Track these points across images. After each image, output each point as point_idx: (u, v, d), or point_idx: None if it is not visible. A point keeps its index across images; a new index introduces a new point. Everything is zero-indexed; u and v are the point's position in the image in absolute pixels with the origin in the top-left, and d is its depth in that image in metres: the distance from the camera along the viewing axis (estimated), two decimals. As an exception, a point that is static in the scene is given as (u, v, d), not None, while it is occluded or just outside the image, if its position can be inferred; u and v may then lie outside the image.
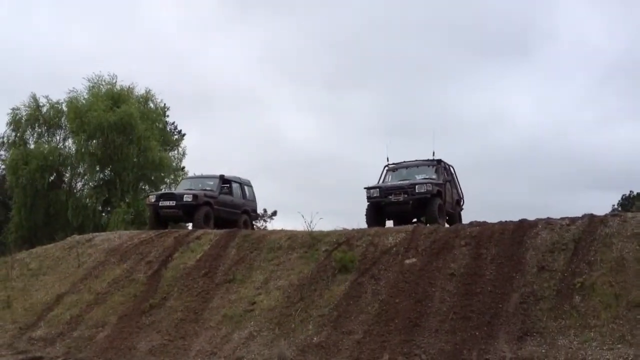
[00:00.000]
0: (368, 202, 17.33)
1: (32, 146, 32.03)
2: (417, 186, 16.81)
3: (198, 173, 22.94)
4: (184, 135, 39.56)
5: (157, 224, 19.63)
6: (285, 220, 72.09)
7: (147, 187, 32.01)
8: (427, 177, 17.77)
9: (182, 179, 24.77)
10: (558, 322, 10.99)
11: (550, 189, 64.24)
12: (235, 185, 21.28)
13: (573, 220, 14.03)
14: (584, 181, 66.14)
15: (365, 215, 17.32)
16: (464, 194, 20.06)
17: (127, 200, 30.48)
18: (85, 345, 13.25)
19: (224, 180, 20.76)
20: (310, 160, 77.71)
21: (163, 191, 22.02)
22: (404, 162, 18.96)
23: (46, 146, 31.71)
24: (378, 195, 17.03)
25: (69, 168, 32.81)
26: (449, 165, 19.28)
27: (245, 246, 16.08)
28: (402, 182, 17.56)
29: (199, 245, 16.69)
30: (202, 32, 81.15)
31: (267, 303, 13.44)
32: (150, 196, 20.43)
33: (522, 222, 14.56)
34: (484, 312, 11.71)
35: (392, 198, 16.87)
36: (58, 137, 33.10)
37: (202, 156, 64.50)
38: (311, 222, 17.03)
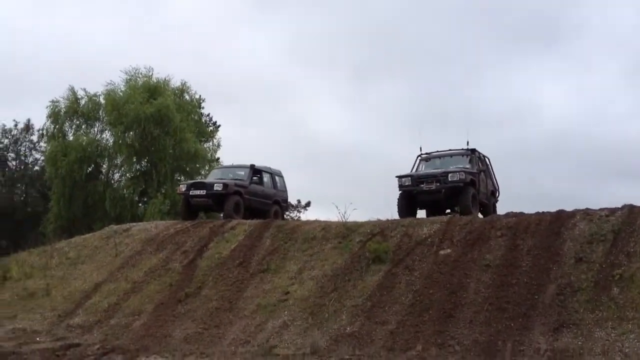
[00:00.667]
0: (400, 190, 17.00)
1: (71, 138, 32.51)
2: (450, 175, 16.43)
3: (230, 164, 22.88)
4: (218, 126, 39.81)
5: (188, 213, 19.56)
6: (319, 211, 72.20)
7: (182, 178, 32.27)
8: (460, 166, 17.32)
9: (213, 168, 24.28)
10: (595, 314, 10.81)
11: (588, 178, 63.16)
12: (266, 175, 21.19)
13: (612, 211, 13.77)
14: (623, 171, 64.67)
15: (397, 204, 17.01)
16: (499, 185, 19.80)
17: (163, 191, 30.79)
18: (122, 332, 13.45)
19: (254, 170, 20.63)
20: (344, 151, 77.53)
21: (194, 180, 21.39)
22: (437, 151, 18.63)
23: (84, 138, 32.16)
24: (410, 183, 16.69)
25: (106, 159, 33.27)
26: (483, 156, 18.92)
27: (279, 236, 16.15)
28: (434, 170, 17.20)
29: (234, 235, 16.82)
30: (232, 22, 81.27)
31: (301, 293, 13.48)
32: (181, 185, 20.41)
33: (560, 212, 14.34)
34: (520, 304, 11.58)
35: (424, 187, 16.52)
36: (96, 129, 33.55)
37: (236, 147, 64.79)
38: (345, 212, 17.08)
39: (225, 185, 18.90)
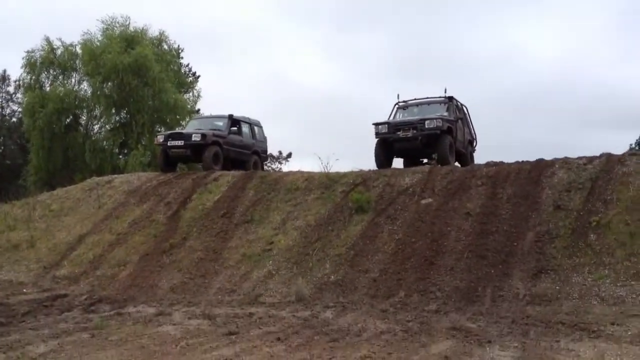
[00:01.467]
0: (376, 138, 16.81)
1: (48, 89, 32.03)
2: (426, 122, 16.21)
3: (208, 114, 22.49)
4: (198, 77, 39.42)
5: (167, 164, 19.41)
6: (302, 162, 72.41)
7: (162, 129, 32.08)
8: (438, 114, 17.10)
9: (191, 119, 23.91)
10: (573, 260, 11.09)
11: (567, 127, 63.72)
12: (244, 126, 20.99)
13: (590, 159, 13.99)
14: (602, 120, 65.34)
15: (374, 152, 16.85)
16: (476, 134, 19.90)
17: (143, 143, 30.64)
18: (108, 283, 13.55)
19: (233, 120, 20.42)
20: (326, 102, 77.37)
21: (171, 131, 20.86)
22: (415, 99, 18.50)
23: (62, 89, 31.72)
24: (386, 131, 16.47)
25: (85, 111, 32.96)
26: (461, 104, 18.85)
27: (262, 187, 16.22)
28: (411, 118, 17.07)
29: (217, 186, 16.86)
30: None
31: (285, 243, 13.63)
32: (158, 136, 20.01)
33: (539, 161, 14.55)
34: (499, 251, 11.84)
35: (401, 134, 16.30)
36: (73, 80, 33.11)
37: (216, 98, 64.29)
38: (327, 163, 17.14)
39: (203, 136, 18.62)
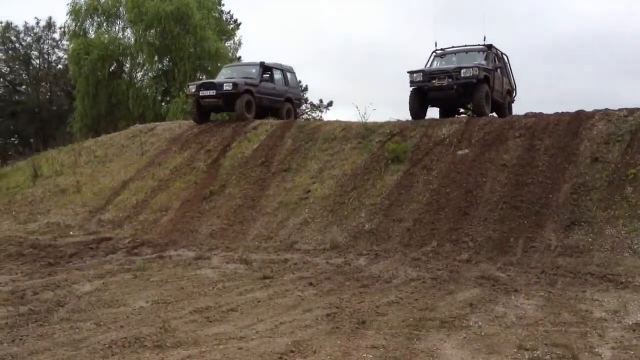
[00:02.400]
0: (411, 87, 16.19)
1: (93, 36, 32.44)
2: (462, 70, 15.60)
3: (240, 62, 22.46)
4: (239, 24, 39.35)
5: (200, 114, 19.13)
6: (342, 111, 72.06)
7: (204, 77, 32.32)
8: (476, 63, 16.40)
9: (222, 67, 23.24)
10: (607, 212, 11.07)
11: (615, 78, 61.89)
12: (277, 72, 20.49)
13: (631, 111, 13.74)
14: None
15: (409, 101, 16.31)
16: (516, 85, 19.31)
17: (185, 91, 30.96)
18: (150, 227, 14.05)
19: (264, 67, 19.91)
20: (368, 51, 76.46)
21: (203, 81, 20.38)
22: (453, 47, 17.83)
23: (106, 36, 32.05)
24: (421, 79, 15.85)
25: (128, 58, 33.31)
26: (501, 53, 18.20)
27: (300, 136, 16.41)
28: (447, 66, 16.45)
29: (256, 135, 17.11)
30: None
31: (321, 191, 13.86)
32: (190, 86, 19.44)
33: (579, 113, 14.36)
34: (534, 202, 11.87)
35: (436, 82, 15.71)
36: (117, 27, 33.38)
37: (257, 46, 64.12)
38: (365, 113, 17.15)
39: (235, 85, 18.25)
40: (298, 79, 22.43)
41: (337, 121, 17.32)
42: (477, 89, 15.59)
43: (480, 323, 6.56)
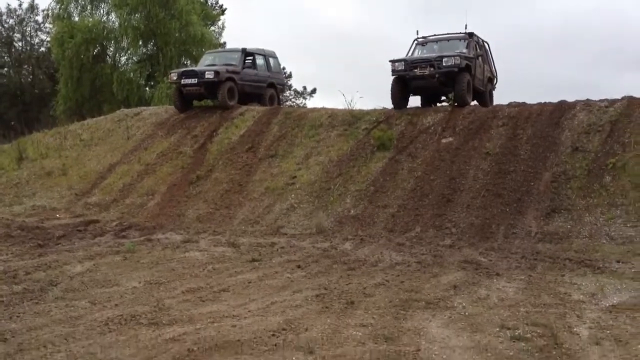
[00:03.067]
0: (392, 75, 15.98)
1: (77, 19, 32.22)
2: (444, 59, 15.40)
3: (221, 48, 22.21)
4: (224, 10, 39.27)
5: (182, 102, 18.90)
6: (326, 98, 72.15)
7: (188, 62, 32.23)
8: (457, 51, 16.22)
9: (203, 54, 22.42)
10: (586, 200, 11.38)
11: (596, 67, 62.55)
12: (259, 58, 20.24)
13: (612, 102, 14.05)
14: (634, 60, 63.82)
15: (390, 89, 16.12)
16: (497, 72, 19.04)
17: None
18: (137, 211, 14.17)
19: (246, 53, 19.69)
20: (352, 38, 76.50)
21: (184, 68, 19.95)
22: (434, 35, 17.57)
23: (90, 20, 31.86)
24: (403, 68, 15.65)
25: (112, 42, 33.13)
26: (482, 41, 17.89)
27: (287, 123, 16.56)
28: (428, 55, 16.24)
29: (243, 121, 17.24)
30: None
31: (307, 177, 14.05)
32: (171, 74, 19.04)
33: (561, 103, 14.66)
34: (515, 190, 12.16)
35: (418, 72, 15.48)
36: (101, 11, 33.16)
37: (241, 32, 63.92)
38: (351, 100, 17.31)
39: (216, 73, 18.04)
40: (281, 64, 22.37)
41: (323, 108, 17.48)
42: (459, 78, 15.47)
43: (464, 304, 6.81)
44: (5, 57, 41.16)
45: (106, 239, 11.51)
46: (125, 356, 5.13)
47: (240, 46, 20.06)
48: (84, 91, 31.53)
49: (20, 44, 41.04)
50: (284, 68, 22.55)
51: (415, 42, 17.53)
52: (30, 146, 18.47)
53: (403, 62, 15.78)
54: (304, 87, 49.14)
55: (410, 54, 17.11)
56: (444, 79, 15.57)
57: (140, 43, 32.16)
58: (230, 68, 18.76)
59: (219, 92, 18.18)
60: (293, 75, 49.55)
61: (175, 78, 18.61)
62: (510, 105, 15.41)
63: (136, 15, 31.08)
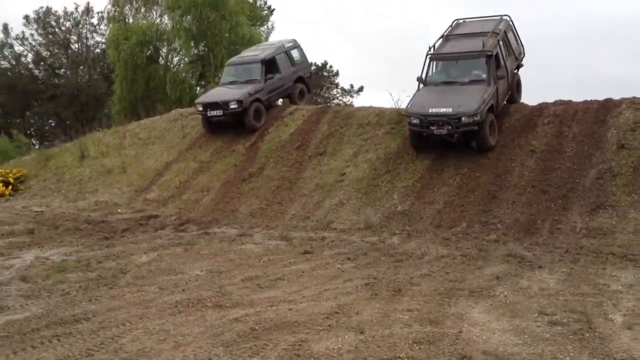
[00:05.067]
0: (409, 127, 14.62)
1: (131, 22, 33.33)
2: (463, 118, 13.69)
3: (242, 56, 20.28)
4: (273, 10, 39.99)
5: (210, 129, 18.40)
6: (373, 95, 72.41)
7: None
8: (476, 93, 14.19)
9: (226, 65, 20.75)
10: (631, 197, 11.55)
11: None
12: (279, 58, 19.27)
13: (658, 99, 14.13)
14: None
15: (410, 136, 14.94)
16: (523, 47, 17.12)
17: (220, 75, 31.71)
18: (193, 207, 14.89)
19: (266, 62, 18.73)
20: (400, 36, 76.56)
21: (208, 99, 18.41)
22: (448, 54, 15.42)
23: (144, 22, 32.94)
24: (419, 125, 14.17)
25: (165, 43, 34.16)
26: (504, 30, 15.89)
27: (335, 121, 17.04)
28: (446, 110, 13.98)
29: (293, 120, 17.79)
30: None
31: (356, 174, 14.51)
32: (197, 104, 18.44)
33: (607, 101, 14.76)
34: (561, 187, 12.40)
35: (435, 131, 13.99)
36: (155, 13, 34.25)
37: (290, 32, 64.79)
38: (398, 99, 17.64)
39: (239, 102, 17.48)
40: (304, 51, 20.68)
41: (371, 107, 17.88)
42: (481, 130, 14.02)
43: (505, 293, 7.21)
44: (63, 59, 42.82)
45: (166, 232, 12.22)
46: (195, 333, 5.71)
47: (260, 52, 19.47)
48: (138, 91, 32.61)
49: (76, 45, 42.63)
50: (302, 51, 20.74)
51: (429, 57, 15.48)
52: (91, 145, 19.40)
53: (419, 119, 14.17)
54: (351, 85, 49.64)
55: (424, 72, 15.26)
56: (465, 137, 14.20)
57: (192, 44, 33.07)
58: (252, 89, 18.04)
59: (246, 118, 17.74)
60: (340, 72, 50.13)
61: (201, 109, 18.14)
62: (556, 103, 15.55)
63: (188, 17, 31.98)
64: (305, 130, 17.01)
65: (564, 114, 14.71)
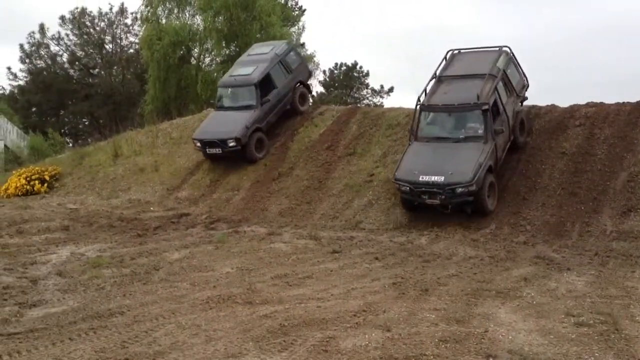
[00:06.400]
0: (400, 194, 13.12)
1: (164, 22, 33.75)
2: (458, 189, 12.21)
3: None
4: (304, 10, 40.21)
5: (211, 159, 17.36)
6: (403, 96, 72.29)
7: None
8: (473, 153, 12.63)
9: (218, 86, 19.51)
10: (663, 201, 11.47)
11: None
12: (274, 70, 17.92)
13: (692, 102, 13.96)
14: None
15: (401, 203, 13.37)
16: (527, 79, 15.46)
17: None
18: (223, 205, 15.12)
19: (260, 84, 17.35)
20: (429, 35, 76.29)
21: (205, 136, 16.97)
22: (443, 105, 13.69)
23: (177, 22, 33.33)
24: (409, 193, 12.69)
25: (197, 44, 34.53)
26: (503, 70, 14.14)
27: (365, 122, 17.12)
28: (438, 179, 12.42)
29: (322, 120, 17.91)
30: None
31: (385, 175, 14.57)
32: (195, 141, 17.20)
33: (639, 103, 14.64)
34: (591, 189, 12.36)
35: (427, 200, 12.56)
36: (187, 14, 34.60)
37: (320, 32, 64.94)
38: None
39: (238, 140, 16.44)
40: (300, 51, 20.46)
41: (400, 108, 17.91)
42: (478, 196, 12.44)
43: (532, 294, 7.24)
44: (97, 59, 43.50)
45: (197, 230, 12.43)
46: (226, 328, 5.86)
47: (253, 69, 17.92)
48: (171, 91, 32.99)
49: (110, 46, 43.27)
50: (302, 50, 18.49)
51: (419, 108, 13.98)
52: (124, 144, 19.76)
53: (409, 188, 12.64)
54: (381, 86, 49.66)
55: (415, 124, 13.95)
56: (459, 206, 12.60)
57: (223, 44, 33.40)
58: (249, 120, 16.85)
59: (247, 151, 16.76)
60: (370, 73, 50.15)
61: (199, 146, 17.08)
62: (587, 105, 15.45)
63: (219, 17, 32.30)
64: (335, 131, 17.12)
65: (595, 115, 14.62)
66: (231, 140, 16.57)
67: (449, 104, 13.64)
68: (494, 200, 12.84)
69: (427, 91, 14.18)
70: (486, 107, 12.93)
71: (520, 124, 14.38)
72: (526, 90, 15.33)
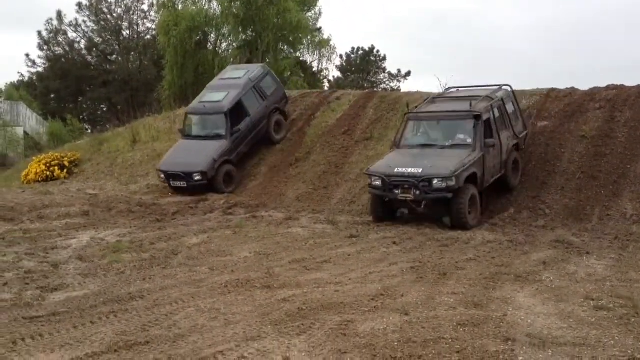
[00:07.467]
0: (370, 190, 12.27)
1: (180, 8, 33.75)
2: (435, 181, 11.16)
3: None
4: (321, -5, 40.03)
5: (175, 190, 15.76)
6: (420, 80, 71.92)
7: (286, 47, 33.20)
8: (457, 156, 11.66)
9: (186, 112, 17.87)
10: (684, 184, 11.34)
11: None
12: (246, 98, 16.82)
13: None
14: None
15: (369, 203, 12.69)
16: (527, 126, 14.05)
17: (267, 60, 31.95)
18: (241, 191, 15.21)
19: (230, 112, 16.27)
20: (446, 20, 75.68)
21: (170, 167, 15.64)
22: (430, 112, 13.15)
23: (193, 8, 33.31)
24: (381, 187, 11.72)
25: (214, 29, 34.50)
26: (501, 101, 13.01)
27: (382, 107, 17.06)
28: (414, 170, 11.46)
29: (339, 105, 17.88)
30: None
31: (402, 159, 14.50)
32: (160, 174, 15.87)
33: (661, 85, 14.43)
34: (611, 173, 12.24)
35: (400, 195, 11.51)
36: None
37: (338, 15, 64.61)
38: (446, 84, 17.54)
39: (204, 174, 15.32)
40: (275, 76, 18.58)
41: (417, 92, 17.82)
42: (457, 201, 11.25)
43: (551, 278, 7.20)
44: (115, 45, 43.69)
45: (215, 216, 12.49)
46: (245, 312, 5.90)
47: (223, 96, 16.84)
48: (188, 77, 33.03)
49: (128, 32, 43.42)
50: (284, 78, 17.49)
51: (406, 117, 13.32)
52: (142, 130, 19.86)
53: (381, 181, 11.72)
54: (399, 70, 49.42)
55: (401, 134, 13.13)
56: (435, 206, 11.64)
57: (240, 30, 33.35)
58: (217, 152, 15.75)
59: (214, 186, 15.51)
60: (387, 57, 49.93)
61: (163, 178, 15.82)
62: (608, 87, 15.27)
63: (236, 3, 32.25)
64: (352, 116, 17.08)
65: (616, 98, 14.45)
66: (197, 174, 15.38)
67: (438, 111, 13.00)
68: (476, 217, 11.51)
69: (418, 108, 13.52)
70: (478, 114, 11.99)
71: (514, 163, 13.02)
72: (525, 139, 13.69)
